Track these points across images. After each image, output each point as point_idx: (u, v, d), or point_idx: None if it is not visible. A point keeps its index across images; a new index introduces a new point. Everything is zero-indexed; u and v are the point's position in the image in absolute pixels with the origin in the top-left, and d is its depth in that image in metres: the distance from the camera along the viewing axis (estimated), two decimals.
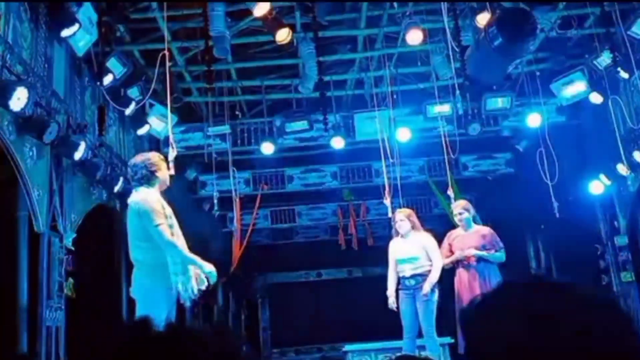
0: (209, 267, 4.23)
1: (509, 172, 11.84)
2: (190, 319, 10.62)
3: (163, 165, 4.40)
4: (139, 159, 4.47)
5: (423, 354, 6.49)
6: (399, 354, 6.18)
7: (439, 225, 8.75)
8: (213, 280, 4.28)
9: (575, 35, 7.71)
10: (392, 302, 6.17)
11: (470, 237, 6.20)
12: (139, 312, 4.19)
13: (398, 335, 6.44)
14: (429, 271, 6.08)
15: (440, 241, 6.35)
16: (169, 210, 4.31)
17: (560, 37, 7.94)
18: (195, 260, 4.20)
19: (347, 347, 8.81)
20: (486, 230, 6.30)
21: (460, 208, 6.39)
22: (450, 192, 8.69)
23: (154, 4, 7.23)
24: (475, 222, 6.35)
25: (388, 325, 6.62)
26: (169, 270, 4.11)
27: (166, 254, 4.12)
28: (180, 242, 4.26)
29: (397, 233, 6.34)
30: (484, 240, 6.16)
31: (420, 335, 6.28)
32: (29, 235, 5.99)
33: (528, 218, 11.30)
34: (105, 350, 0.80)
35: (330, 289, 16.24)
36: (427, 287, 5.98)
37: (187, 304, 4.23)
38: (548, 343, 0.80)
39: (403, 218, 6.31)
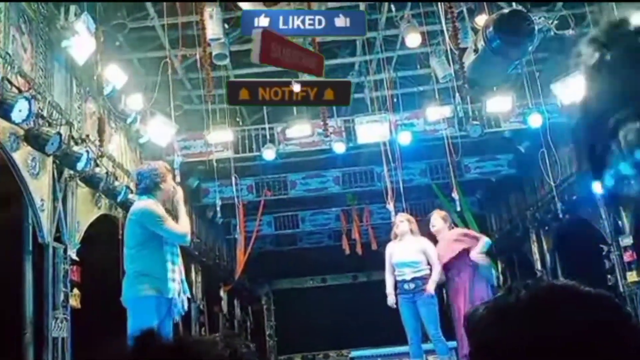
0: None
1: (511, 173, 11.81)
2: (195, 327, 10.60)
3: (168, 176, 4.38)
4: (145, 167, 4.47)
5: (430, 358, 6.48)
6: None
7: None
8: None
9: (574, 35, 7.71)
10: (391, 300, 6.16)
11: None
12: (130, 320, 4.16)
13: (404, 341, 6.42)
14: (429, 275, 6.10)
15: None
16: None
17: (559, 37, 7.94)
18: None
19: (354, 353, 8.80)
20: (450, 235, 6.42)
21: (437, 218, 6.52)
22: (454, 195, 8.67)
23: (152, 13, 7.26)
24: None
25: (394, 331, 6.59)
26: (165, 277, 4.10)
27: (175, 244, 4.20)
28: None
29: (396, 235, 6.37)
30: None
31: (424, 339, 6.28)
32: (34, 247, 5.99)
33: (532, 219, 11.27)
34: None
35: (335, 294, 16.19)
36: (431, 285, 6.00)
37: (177, 317, 4.22)
38: (553, 343, 0.80)
39: (403, 220, 6.41)
